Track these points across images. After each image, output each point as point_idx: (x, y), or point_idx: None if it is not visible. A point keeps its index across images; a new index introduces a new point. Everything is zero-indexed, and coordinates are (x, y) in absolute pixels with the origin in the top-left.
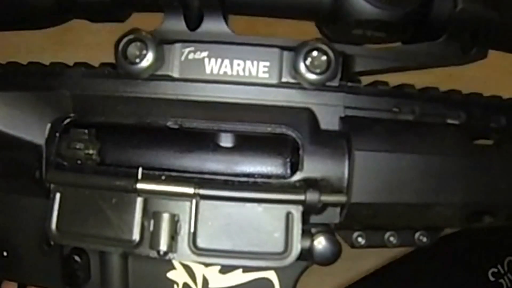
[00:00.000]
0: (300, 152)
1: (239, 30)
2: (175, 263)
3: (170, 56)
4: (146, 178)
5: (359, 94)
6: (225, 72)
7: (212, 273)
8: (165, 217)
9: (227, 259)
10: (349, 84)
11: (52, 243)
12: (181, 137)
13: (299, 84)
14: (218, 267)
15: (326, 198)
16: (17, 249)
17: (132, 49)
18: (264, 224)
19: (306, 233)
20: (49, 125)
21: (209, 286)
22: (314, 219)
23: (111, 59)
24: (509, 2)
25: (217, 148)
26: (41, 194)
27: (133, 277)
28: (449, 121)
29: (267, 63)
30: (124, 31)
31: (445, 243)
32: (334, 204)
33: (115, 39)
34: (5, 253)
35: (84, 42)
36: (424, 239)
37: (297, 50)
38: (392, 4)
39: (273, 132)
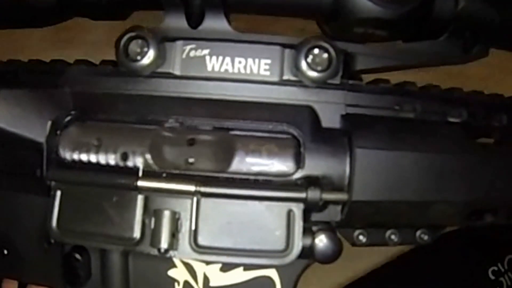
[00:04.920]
0: (301, 150)
1: (241, 28)
2: (176, 261)
3: (171, 53)
4: (147, 176)
5: (361, 92)
6: (226, 70)
7: (213, 271)
8: (166, 214)
9: (228, 257)
10: (351, 82)
11: (52, 241)
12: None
13: (300, 82)
14: (219, 265)
15: (327, 196)
16: (17, 247)
17: (133, 47)
18: (265, 222)
19: (307, 231)
20: (49, 123)
21: (210, 284)
22: (315, 217)
23: (112, 57)
24: (510, 1)
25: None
26: (42, 192)
27: (134, 275)
28: (450, 119)
29: (269, 61)
30: (125, 29)
31: (445, 241)
32: (335, 202)
33: (116, 37)
34: (5, 251)
35: (85, 40)
36: (425, 237)
37: (298, 47)
38: (394, 2)
39: (274, 130)
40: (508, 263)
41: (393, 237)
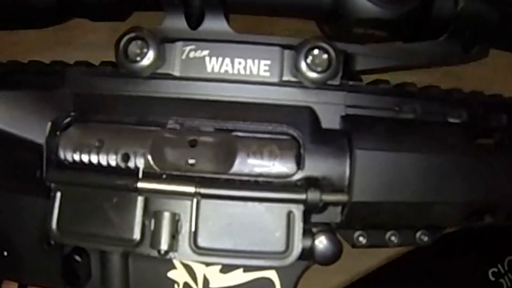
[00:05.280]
0: (301, 151)
1: (240, 29)
2: (176, 262)
3: (171, 54)
4: (147, 177)
5: (360, 93)
6: (226, 71)
7: (213, 273)
8: (166, 216)
9: (228, 258)
10: (350, 82)
11: (52, 242)
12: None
13: (300, 83)
14: (219, 267)
15: (327, 197)
16: (17, 249)
17: (133, 48)
18: (265, 223)
19: (307, 232)
20: (49, 124)
21: (210, 285)
22: (315, 218)
23: (112, 58)
24: (510, 1)
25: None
26: (42, 194)
27: (133, 276)
28: (450, 119)
29: (268, 62)
30: (125, 30)
31: (445, 242)
32: (335, 203)
33: (116, 38)
34: (5, 253)
35: (85, 41)
36: (425, 238)
37: (298, 48)
38: (393, 2)
39: (274, 131)
40: (508, 264)
41: (393, 238)
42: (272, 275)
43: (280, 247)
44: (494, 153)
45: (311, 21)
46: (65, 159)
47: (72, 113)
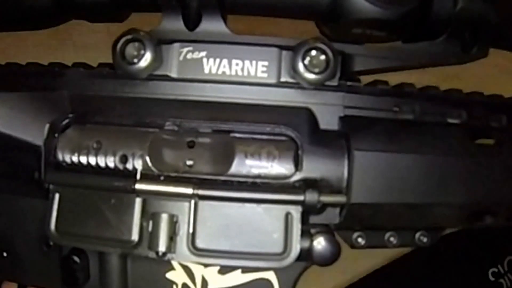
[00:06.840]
0: (299, 152)
1: (238, 30)
2: (174, 263)
3: (168, 56)
4: (144, 179)
5: (359, 94)
6: (223, 72)
7: (211, 274)
8: (164, 217)
9: (226, 259)
10: (349, 83)
11: (51, 243)
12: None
13: (298, 84)
14: (217, 268)
15: (326, 198)
16: (16, 250)
17: (130, 49)
18: (263, 224)
19: (306, 233)
20: (47, 126)
21: (208, 286)
22: (313, 219)
23: (110, 60)
24: (509, 1)
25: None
26: (41, 195)
27: (132, 277)
28: (450, 120)
29: (266, 63)
30: (122, 32)
31: (445, 243)
32: (333, 205)
33: (113, 40)
34: (5, 254)
35: (83, 43)
36: (425, 239)
37: (295, 49)
38: (392, 3)
39: (272, 132)
40: (508, 264)
41: (392, 239)
42: (271, 276)
43: (278, 248)
44: (493, 154)
45: (310, 22)
46: (63, 161)
47: (70, 115)
